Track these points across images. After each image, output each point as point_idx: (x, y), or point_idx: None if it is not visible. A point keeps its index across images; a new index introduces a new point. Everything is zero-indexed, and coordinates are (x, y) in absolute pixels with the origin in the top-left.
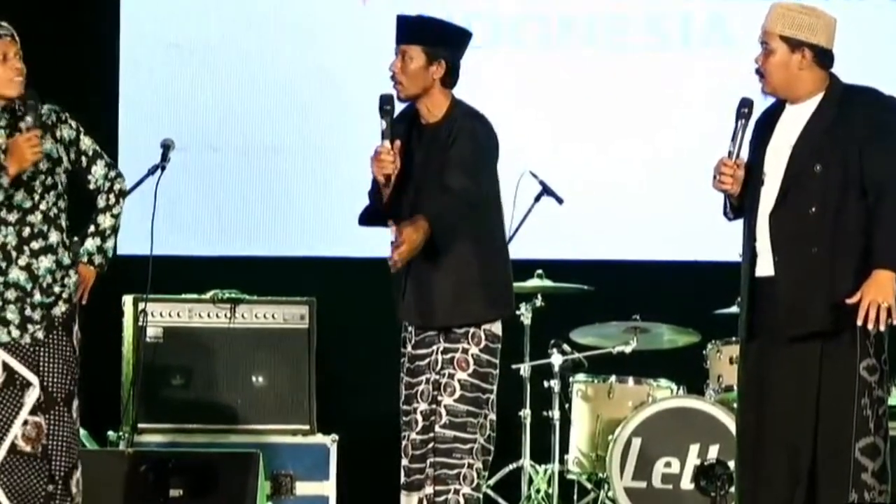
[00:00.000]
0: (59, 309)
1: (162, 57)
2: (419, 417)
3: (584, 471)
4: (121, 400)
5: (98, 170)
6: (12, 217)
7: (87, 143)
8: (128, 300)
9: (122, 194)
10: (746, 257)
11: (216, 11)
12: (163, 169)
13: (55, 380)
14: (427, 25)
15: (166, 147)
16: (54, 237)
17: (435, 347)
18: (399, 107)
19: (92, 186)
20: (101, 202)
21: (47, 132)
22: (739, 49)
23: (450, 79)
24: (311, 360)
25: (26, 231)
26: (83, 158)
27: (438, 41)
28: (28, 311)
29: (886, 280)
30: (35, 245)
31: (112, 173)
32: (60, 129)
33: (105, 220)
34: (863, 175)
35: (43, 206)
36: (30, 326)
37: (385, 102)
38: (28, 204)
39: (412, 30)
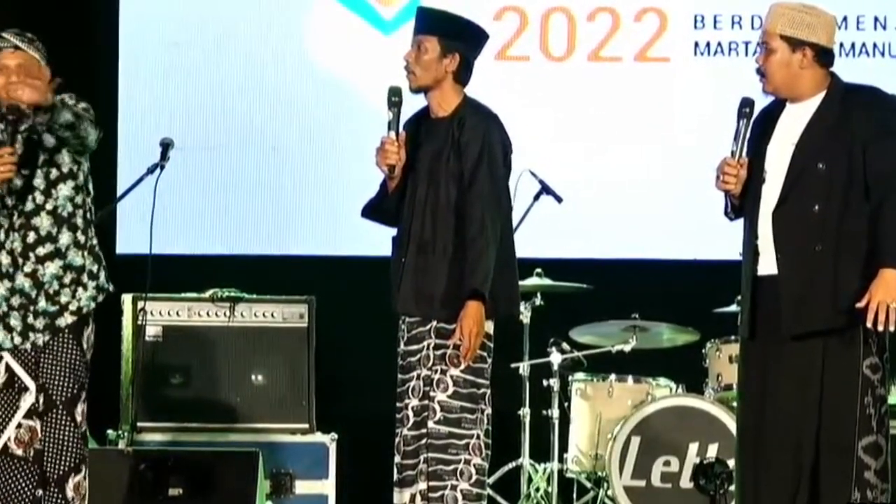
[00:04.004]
0: (65, 320)
1: (161, 57)
2: (410, 414)
3: (583, 469)
4: (120, 399)
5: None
6: (17, 222)
7: (79, 109)
8: (127, 299)
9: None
10: (748, 256)
11: (215, 11)
12: (162, 168)
13: (56, 384)
14: (446, 18)
15: (165, 146)
16: (65, 239)
17: (426, 343)
18: (408, 101)
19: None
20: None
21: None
22: (739, 49)
23: (462, 74)
24: (311, 359)
25: (31, 236)
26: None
27: (455, 34)
28: (30, 319)
29: (893, 280)
30: (41, 251)
31: (82, 104)
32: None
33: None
34: (866, 174)
35: (49, 206)
36: (31, 334)
37: (393, 94)
38: (30, 206)
39: (430, 20)
